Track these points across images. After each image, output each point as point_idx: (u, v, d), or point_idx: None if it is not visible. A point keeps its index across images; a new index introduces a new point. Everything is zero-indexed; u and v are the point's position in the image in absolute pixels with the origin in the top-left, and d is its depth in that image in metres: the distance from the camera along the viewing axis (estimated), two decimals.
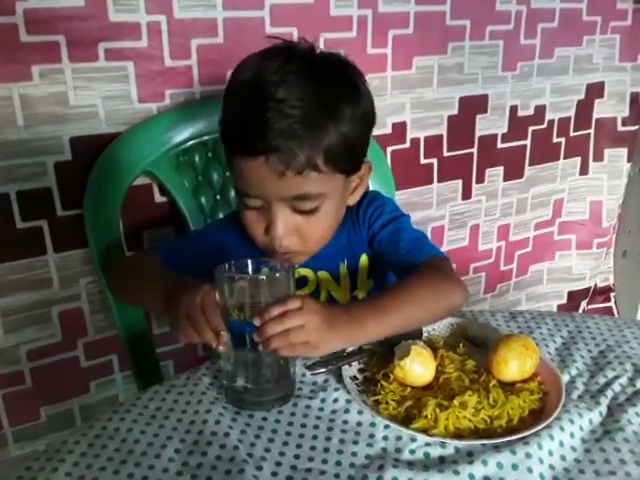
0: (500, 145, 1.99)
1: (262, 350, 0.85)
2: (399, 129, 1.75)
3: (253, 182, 1.02)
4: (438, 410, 0.83)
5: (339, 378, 0.93)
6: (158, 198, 1.45)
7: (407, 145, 1.79)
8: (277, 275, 0.91)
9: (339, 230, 1.17)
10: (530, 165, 2.09)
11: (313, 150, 0.99)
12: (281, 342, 0.84)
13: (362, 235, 1.19)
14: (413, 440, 0.81)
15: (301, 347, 0.86)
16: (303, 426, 0.85)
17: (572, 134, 2.14)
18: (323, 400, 0.90)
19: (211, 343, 0.87)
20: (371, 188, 1.55)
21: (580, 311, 2.41)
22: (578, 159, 2.21)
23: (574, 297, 2.41)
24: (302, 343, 0.86)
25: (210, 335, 0.87)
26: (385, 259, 1.16)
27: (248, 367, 0.89)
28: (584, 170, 2.24)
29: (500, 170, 2.03)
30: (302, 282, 1.18)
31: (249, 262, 0.93)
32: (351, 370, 0.94)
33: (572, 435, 0.83)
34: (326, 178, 1.03)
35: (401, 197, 1.76)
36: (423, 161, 1.85)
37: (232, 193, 1.46)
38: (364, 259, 1.21)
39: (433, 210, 1.92)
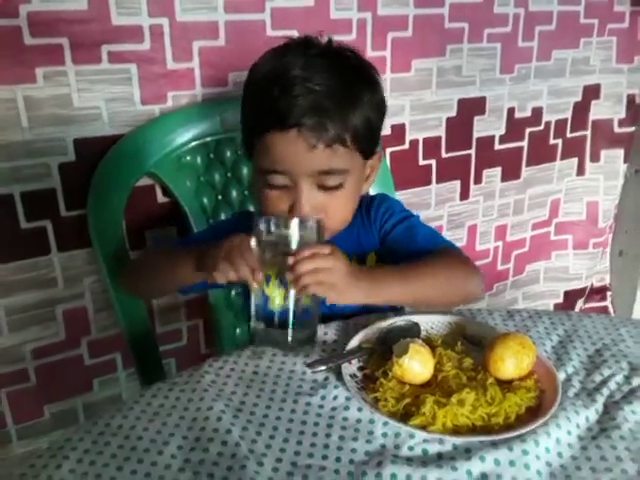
0: (498, 146, 2.00)
1: (292, 289, 0.93)
2: (398, 131, 1.77)
3: (283, 157, 1.05)
4: (436, 407, 0.83)
5: (339, 376, 0.92)
6: (161, 199, 1.46)
7: (406, 146, 1.81)
8: (308, 224, 0.97)
9: (349, 227, 1.19)
10: (527, 166, 2.10)
11: (342, 125, 1.04)
12: (310, 279, 0.92)
13: (372, 234, 1.22)
14: (411, 437, 0.81)
15: (327, 288, 0.94)
16: (303, 423, 0.85)
17: (569, 135, 2.15)
18: (323, 397, 0.90)
19: (247, 279, 0.94)
20: (370, 188, 1.56)
21: (576, 310, 2.41)
22: (575, 160, 2.22)
23: (570, 296, 2.42)
24: (329, 285, 0.94)
25: (247, 271, 0.94)
26: (400, 253, 1.17)
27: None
28: (581, 171, 2.25)
29: (498, 171, 2.04)
30: None
31: (281, 217, 1.01)
32: (351, 368, 0.94)
33: (569, 432, 0.83)
34: (350, 155, 1.07)
35: (400, 198, 1.75)
36: (422, 162, 1.86)
37: (234, 194, 1.47)
38: (372, 257, 1.22)
39: (432, 210, 1.94)
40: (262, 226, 0.97)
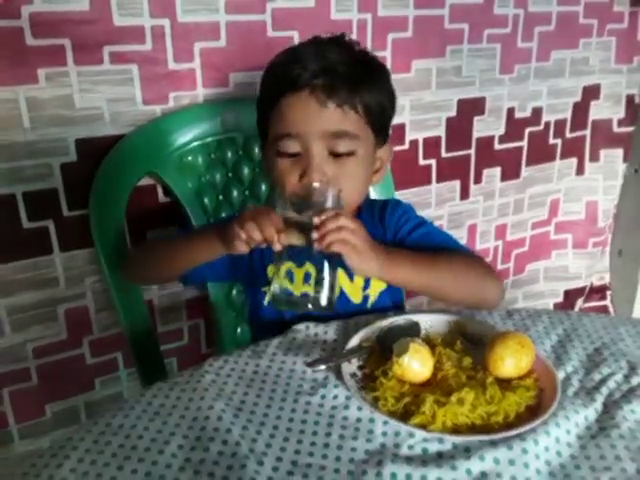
0: (497, 146, 2.00)
1: (317, 247, 0.96)
2: (398, 131, 1.77)
3: (296, 117, 1.09)
4: (436, 406, 0.83)
5: (339, 375, 0.92)
6: (162, 199, 1.46)
7: (406, 146, 1.81)
8: (329, 192, 1.00)
9: None
10: (527, 166, 2.10)
11: (352, 91, 1.09)
12: (335, 236, 0.95)
13: (386, 238, 1.21)
14: (411, 436, 0.81)
15: (350, 248, 0.97)
16: (303, 422, 0.85)
17: (568, 135, 2.14)
18: (323, 396, 0.90)
19: (272, 238, 0.96)
20: (371, 188, 1.56)
21: (576, 309, 2.41)
22: (574, 160, 2.22)
23: (570, 296, 2.41)
24: (351, 246, 0.97)
25: (272, 231, 0.96)
26: None
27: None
28: (580, 171, 2.25)
29: (497, 171, 2.04)
30: None
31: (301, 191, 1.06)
32: (350, 367, 0.94)
33: (568, 431, 0.83)
34: (361, 124, 1.12)
35: (400, 198, 1.76)
36: (422, 162, 1.86)
37: (235, 194, 1.47)
38: None
39: (432, 210, 1.93)
40: (283, 200, 1.01)
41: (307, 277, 0.97)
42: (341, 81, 1.07)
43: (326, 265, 0.98)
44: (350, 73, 1.09)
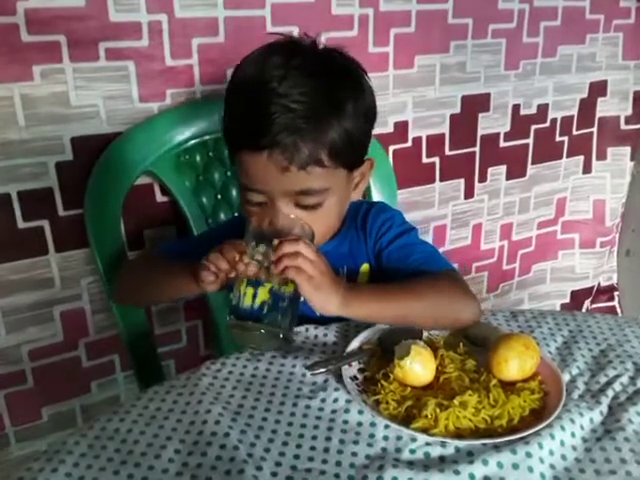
0: (502, 144, 1.98)
1: (273, 271, 0.92)
2: (401, 128, 1.75)
3: (256, 177, 1.02)
4: (438, 410, 0.83)
5: (339, 378, 0.93)
6: (159, 198, 1.45)
7: (409, 144, 1.79)
8: (300, 222, 0.97)
9: (341, 238, 1.17)
10: (533, 164, 2.09)
11: (316, 145, 0.99)
12: (290, 261, 0.91)
13: (367, 246, 1.19)
14: (413, 440, 0.81)
15: (305, 278, 0.92)
16: (303, 426, 0.85)
17: (575, 133, 2.13)
18: (323, 400, 0.89)
19: (234, 260, 0.94)
20: (373, 187, 1.55)
21: (583, 310, 2.41)
22: (581, 158, 2.20)
23: (577, 296, 2.40)
24: (307, 276, 0.92)
25: (234, 254, 0.94)
26: (394, 272, 1.14)
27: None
28: (587, 169, 2.23)
29: (502, 169, 2.02)
30: None
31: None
32: (351, 370, 0.94)
33: (573, 434, 0.83)
34: (329, 173, 1.03)
35: (403, 196, 1.76)
36: (425, 160, 1.84)
37: (233, 193, 1.46)
38: (365, 269, 1.20)
39: (435, 209, 1.92)
40: (251, 227, 0.97)
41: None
42: (304, 140, 0.98)
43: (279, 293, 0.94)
44: (316, 121, 0.99)
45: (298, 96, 0.98)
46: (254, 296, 0.92)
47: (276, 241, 0.92)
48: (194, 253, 1.11)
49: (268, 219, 1.03)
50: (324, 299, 0.96)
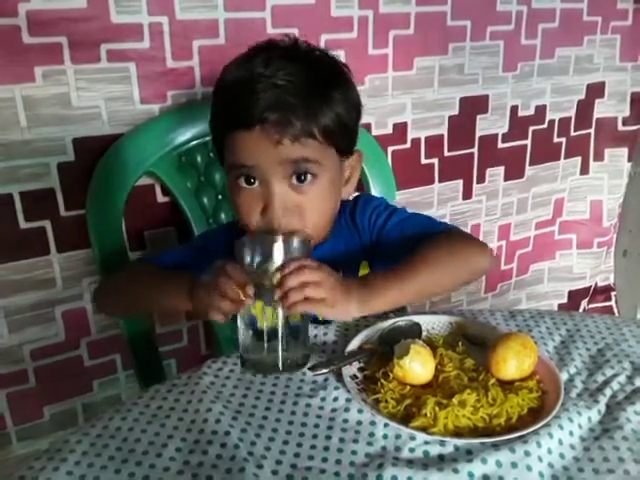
0: (501, 145, 1.98)
1: (280, 308, 0.89)
2: (400, 129, 1.76)
3: (249, 152, 1.03)
4: (437, 409, 0.83)
5: (339, 377, 0.92)
6: (160, 198, 1.45)
7: (408, 145, 1.79)
8: (293, 241, 0.94)
9: (335, 238, 1.17)
10: (531, 165, 2.09)
11: (308, 120, 1.01)
12: (298, 295, 0.88)
13: (362, 241, 1.19)
14: (412, 439, 0.81)
15: (317, 303, 0.91)
16: (303, 425, 0.84)
17: (573, 134, 2.13)
18: (323, 399, 0.89)
19: (237, 298, 0.90)
20: (372, 188, 1.56)
21: (581, 310, 2.41)
22: (579, 159, 2.21)
23: (575, 296, 2.41)
24: (318, 300, 0.90)
25: (236, 291, 0.90)
26: (397, 250, 1.12)
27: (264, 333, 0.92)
28: (585, 170, 2.24)
29: (501, 170, 2.03)
30: None
31: (265, 238, 0.98)
32: (351, 369, 0.94)
33: (571, 433, 0.83)
34: (322, 149, 1.04)
35: (402, 197, 1.77)
36: (424, 161, 1.85)
37: None
38: (364, 266, 1.20)
39: (434, 210, 1.92)
40: (245, 249, 0.93)
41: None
42: (295, 114, 1.00)
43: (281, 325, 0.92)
44: (305, 99, 1.01)
45: (284, 76, 1.00)
46: (261, 320, 0.92)
47: (278, 276, 0.90)
48: (185, 266, 1.12)
49: (261, 206, 1.04)
50: (342, 312, 0.95)
